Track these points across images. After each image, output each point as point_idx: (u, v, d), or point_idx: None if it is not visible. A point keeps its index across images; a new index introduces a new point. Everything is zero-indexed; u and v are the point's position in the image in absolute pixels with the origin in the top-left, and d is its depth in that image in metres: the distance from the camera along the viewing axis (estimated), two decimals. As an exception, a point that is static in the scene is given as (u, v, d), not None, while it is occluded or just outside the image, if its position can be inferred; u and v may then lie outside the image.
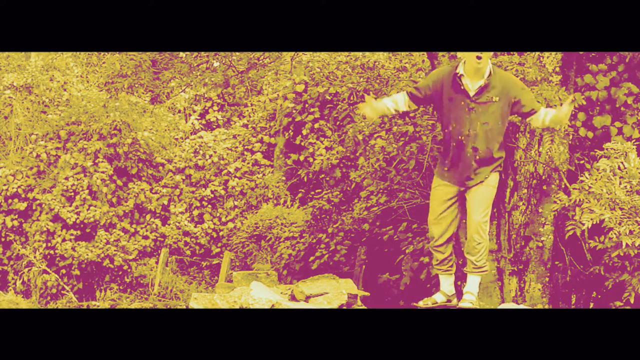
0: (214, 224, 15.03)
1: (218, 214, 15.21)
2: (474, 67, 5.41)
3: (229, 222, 15.06)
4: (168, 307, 13.00)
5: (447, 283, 5.81)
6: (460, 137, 5.49)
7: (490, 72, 5.49)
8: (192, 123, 18.00)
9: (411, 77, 9.50)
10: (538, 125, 5.74)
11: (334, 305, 5.68)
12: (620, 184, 5.94)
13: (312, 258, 11.12)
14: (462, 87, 5.48)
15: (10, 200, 14.26)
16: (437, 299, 5.75)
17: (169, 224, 14.69)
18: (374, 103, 5.58)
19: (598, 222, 5.86)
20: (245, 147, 16.44)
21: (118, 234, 13.97)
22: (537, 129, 6.93)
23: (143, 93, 16.89)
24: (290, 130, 15.32)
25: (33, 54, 16.91)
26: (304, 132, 14.86)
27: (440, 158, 5.79)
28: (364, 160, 10.64)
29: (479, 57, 5.35)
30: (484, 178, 5.55)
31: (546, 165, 7.11)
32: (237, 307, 5.61)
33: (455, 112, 5.49)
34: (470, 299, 5.63)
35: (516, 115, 5.86)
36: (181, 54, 11.80)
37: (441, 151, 5.79)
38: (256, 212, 14.63)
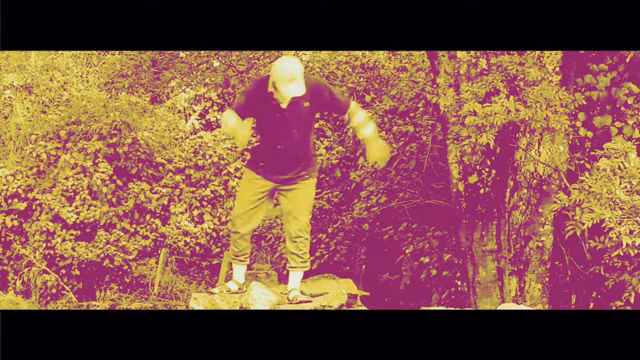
0: (214, 224, 15.00)
1: (218, 214, 15.17)
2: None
3: (229, 222, 15.01)
4: (168, 307, 12.99)
5: (239, 273, 5.89)
6: (278, 146, 5.41)
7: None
8: (192, 123, 17.96)
9: (411, 77, 9.49)
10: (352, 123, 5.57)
11: (334, 305, 5.68)
12: (620, 183, 5.94)
13: (312, 258, 11.11)
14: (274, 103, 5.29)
15: (10, 200, 14.24)
16: (231, 287, 5.80)
17: (169, 224, 14.68)
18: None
19: (598, 222, 5.85)
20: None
21: (118, 234, 13.93)
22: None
23: (143, 93, 16.86)
24: (290, 130, 15.26)
25: (33, 53, 16.88)
26: (304, 132, 14.82)
27: (254, 155, 5.71)
28: (364, 160, 10.63)
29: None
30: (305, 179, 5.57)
31: (546, 165, 7.11)
32: (237, 307, 5.61)
33: (269, 122, 5.37)
34: (297, 294, 5.67)
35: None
36: (181, 53, 11.80)
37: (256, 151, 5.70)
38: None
